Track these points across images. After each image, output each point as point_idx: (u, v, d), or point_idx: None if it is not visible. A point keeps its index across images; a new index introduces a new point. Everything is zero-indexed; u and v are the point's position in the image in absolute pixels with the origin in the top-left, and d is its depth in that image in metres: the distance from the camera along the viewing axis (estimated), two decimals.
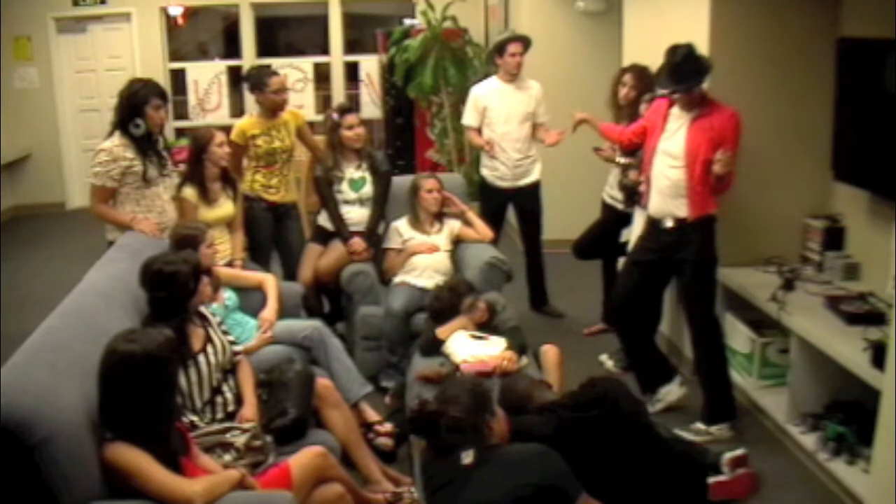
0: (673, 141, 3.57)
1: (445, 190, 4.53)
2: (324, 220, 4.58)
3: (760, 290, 3.73)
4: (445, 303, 3.77)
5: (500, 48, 4.99)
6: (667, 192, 3.61)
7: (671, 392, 3.88)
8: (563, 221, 5.36)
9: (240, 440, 2.72)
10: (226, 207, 4.11)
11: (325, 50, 9.03)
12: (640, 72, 4.34)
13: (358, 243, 4.41)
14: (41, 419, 2.03)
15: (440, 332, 3.66)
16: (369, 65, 8.96)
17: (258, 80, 4.63)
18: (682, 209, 3.57)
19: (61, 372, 2.28)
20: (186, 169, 4.11)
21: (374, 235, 4.49)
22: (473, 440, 2.64)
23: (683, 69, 3.45)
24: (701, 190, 3.50)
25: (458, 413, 2.67)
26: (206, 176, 4.02)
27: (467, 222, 4.58)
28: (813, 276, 3.87)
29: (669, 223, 3.62)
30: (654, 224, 3.72)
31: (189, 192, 3.99)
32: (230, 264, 4.02)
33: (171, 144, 5.96)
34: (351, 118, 4.47)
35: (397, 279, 4.36)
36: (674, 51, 3.49)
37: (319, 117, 7.62)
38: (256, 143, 4.58)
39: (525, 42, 4.98)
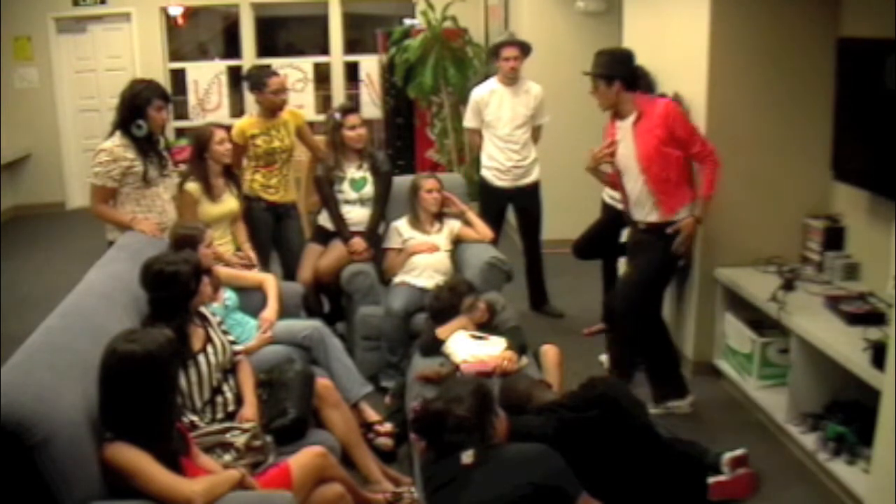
0: (625, 152, 3.70)
1: (445, 190, 4.53)
2: (324, 219, 4.58)
3: (760, 290, 3.73)
4: (445, 303, 3.77)
5: (496, 50, 4.99)
6: (637, 201, 3.73)
7: (681, 407, 3.86)
8: (563, 221, 5.37)
9: (240, 440, 2.72)
10: (229, 203, 4.12)
11: (325, 50, 9.03)
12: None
13: (358, 243, 4.41)
14: (41, 419, 2.03)
15: (440, 332, 3.66)
16: (369, 65, 8.95)
17: (258, 80, 4.63)
18: (654, 213, 3.68)
19: (61, 372, 2.28)
20: (189, 167, 4.12)
21: (374, 235, 4.49)
22: (477, 440, 2.63)
23: (599, 61, 3.67)
24: (665, 188, 3.60)
25: (463, 412, 2.66)
26: (209, 173, 4.04)
27: (467, 222, 4.58)
28: (813, 276, 3.86)
29: (644, 225, 3.75)
30: (633, 224, 3.86)
31: (192, 187, 4.00)
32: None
33: (171, 144, 5.96)
34: (353, 118, 4.48)
35: (397, 279, 4.36)
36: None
37: (320, 117, 7.63)
38: (256, 142, 4.58)
39: (523, 47, 4.96)
